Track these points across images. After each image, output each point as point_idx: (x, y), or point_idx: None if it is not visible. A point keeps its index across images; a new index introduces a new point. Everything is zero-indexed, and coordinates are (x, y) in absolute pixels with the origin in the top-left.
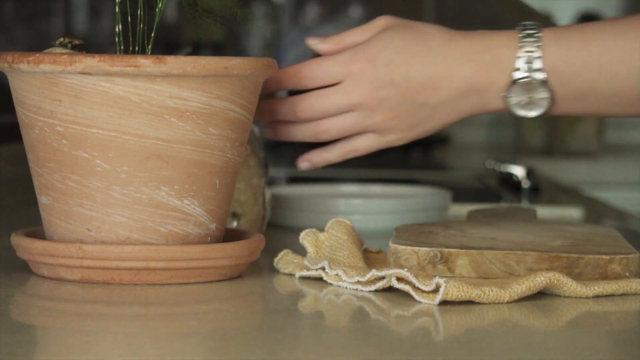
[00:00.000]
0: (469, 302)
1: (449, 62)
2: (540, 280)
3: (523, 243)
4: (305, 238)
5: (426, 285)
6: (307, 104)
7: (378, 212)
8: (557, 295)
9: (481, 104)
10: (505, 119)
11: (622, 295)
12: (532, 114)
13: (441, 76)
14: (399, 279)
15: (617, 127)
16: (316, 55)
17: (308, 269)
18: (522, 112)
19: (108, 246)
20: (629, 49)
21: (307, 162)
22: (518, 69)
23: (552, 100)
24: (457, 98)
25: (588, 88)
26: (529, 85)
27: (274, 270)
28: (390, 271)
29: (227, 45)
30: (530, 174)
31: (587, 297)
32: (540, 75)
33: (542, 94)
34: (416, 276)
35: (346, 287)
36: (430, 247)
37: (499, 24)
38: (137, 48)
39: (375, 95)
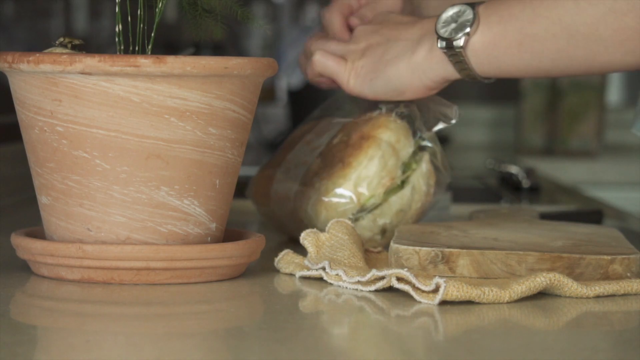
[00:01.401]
0: (469, 302)
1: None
2: (540, 280)
3: (524, 243)
4: (306, 238)
5: (426, 285)
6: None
7: None
8: (558, 296)
9: (428, 47)
10: (506, 119)
11: (623, 295)
12: (458, 37)
13: (405, 24)
14: (399, 279)
15: (617, 127)
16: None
17: (308, 269)
18: (446, 35)
19: (108, 246)
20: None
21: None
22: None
23: (475, 19)
24: (412, 37)
25: (508, 15)
26: (457, 13)
27: (274, 270)
28: (390, 271)
29: (227, 45)
30: (530, 174)
31: (587, 298)
32: (470, 6)
33: (467, 15)
34: (416, 276)
35: (346, 287)
36: (431, 247)
37: None
38: (137, 48)
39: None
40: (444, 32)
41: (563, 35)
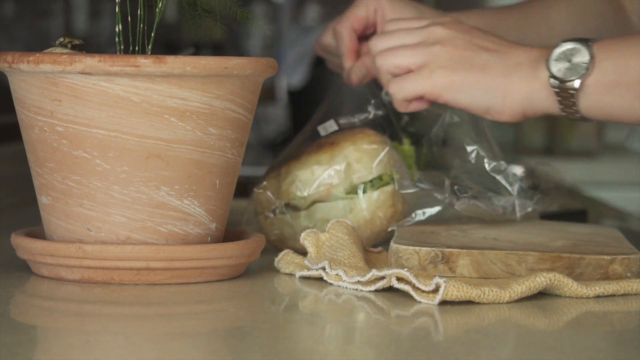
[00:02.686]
0: (469, 302)
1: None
2: (540, 280)
3: (524, 243)
4: (306, 238)
5: (426, 285)
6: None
7: None
8: (558, 295)
9: (530, 77)
10: None
11: (623, 295)
12: (572, 78)
13: (509, 44)
14: (399, 279)
15: (617, 127)
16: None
17: (308, 269)
18: (560, 75)
19: (108, 246)
20: None
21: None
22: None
23: (591, 62)
24: (511, 58)
25: (624, 60)
26: (571, 51)
27: (274, 270)
28: (390, 271)
29: (227, 45)
30: (530, 174)
31: (587, 298)
32: (585, 45)
33: (583, 57)
34: (416, 276)
35: (346, 287)
36: (431, 247)
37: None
38: (137, 48)
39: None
40: (557, 70)
41: None
